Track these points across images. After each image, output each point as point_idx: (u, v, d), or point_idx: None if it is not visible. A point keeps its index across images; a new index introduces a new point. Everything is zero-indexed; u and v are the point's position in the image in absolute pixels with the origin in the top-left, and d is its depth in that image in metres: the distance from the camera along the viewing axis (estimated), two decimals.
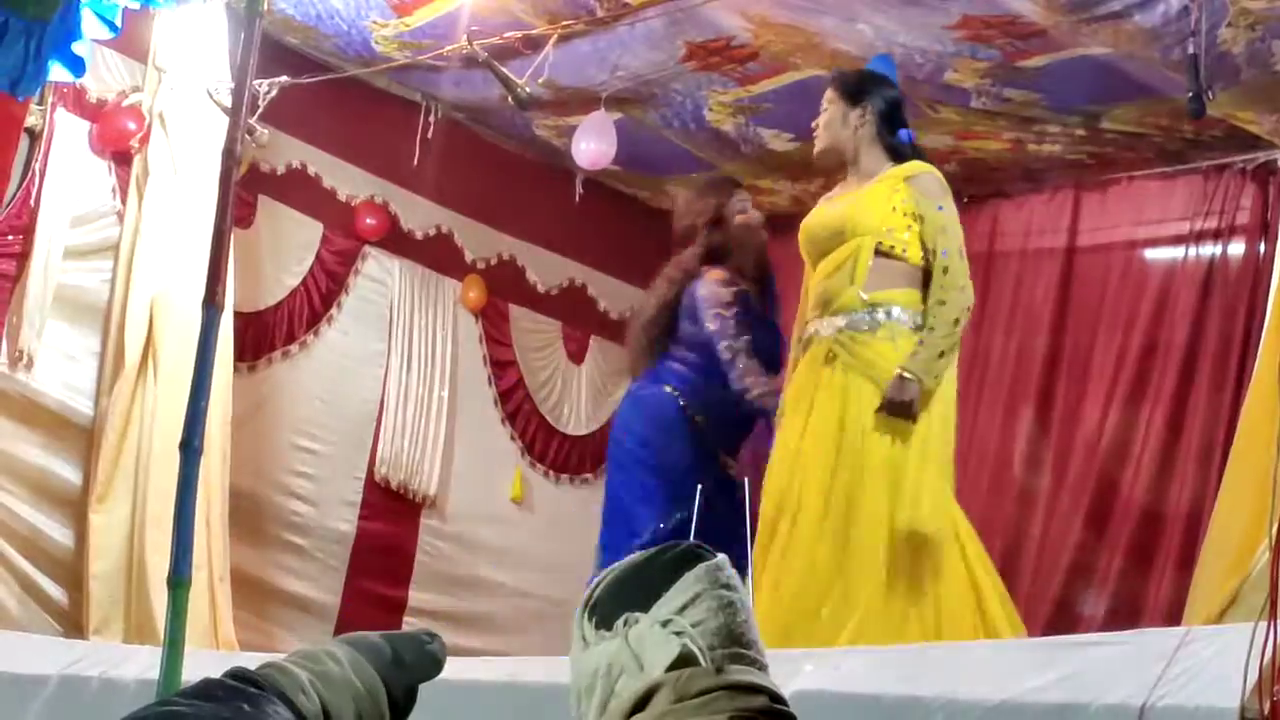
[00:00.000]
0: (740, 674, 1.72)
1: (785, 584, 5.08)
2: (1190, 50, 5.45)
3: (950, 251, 5.17)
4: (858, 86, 5.45)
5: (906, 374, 5.00)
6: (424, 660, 2.63)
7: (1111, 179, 7.86)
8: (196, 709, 2.48)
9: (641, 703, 1.70)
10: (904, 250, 5.18)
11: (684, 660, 1.72)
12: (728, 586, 1.77)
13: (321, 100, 7.44)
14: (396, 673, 2.58)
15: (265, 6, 4.46)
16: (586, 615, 1.80)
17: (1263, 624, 3.04)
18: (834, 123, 5.42)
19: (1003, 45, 6.48)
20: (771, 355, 6.10)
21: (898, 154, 5.38)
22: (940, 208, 5.25)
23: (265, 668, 2.58)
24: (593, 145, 7.47)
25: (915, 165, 5.35)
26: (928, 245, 5.18)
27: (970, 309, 5.23)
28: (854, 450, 5.06)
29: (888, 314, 5.15)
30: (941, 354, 5.08)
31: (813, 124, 5.53)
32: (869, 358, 5.13)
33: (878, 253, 5.17)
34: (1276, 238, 7.13)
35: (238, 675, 2.58)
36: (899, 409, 5.01)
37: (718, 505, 5.09)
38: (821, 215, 5.45)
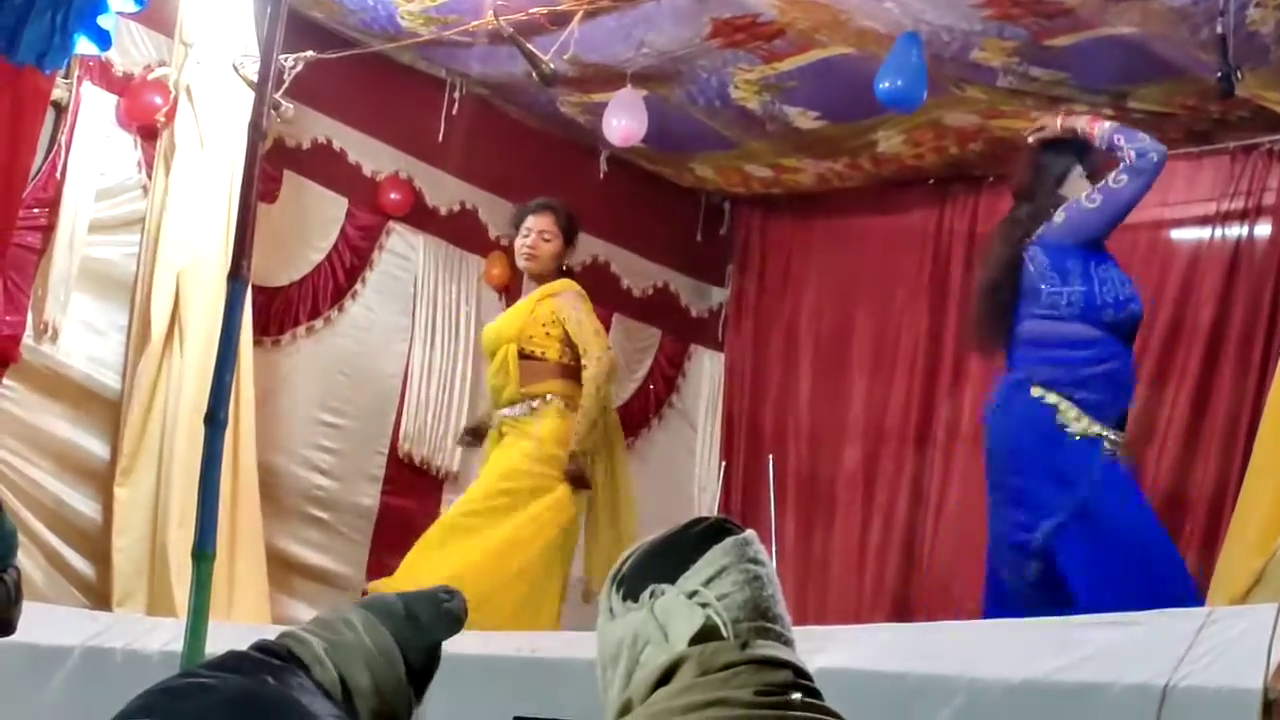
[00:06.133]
0: (765, 649, 1.73)
1: None
2: (1219, 30, 5.42)
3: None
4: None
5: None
6: (441, 618, 2.66)
7: None
8: (221, 680, 2.50)
9: (666, 675, 1.70)
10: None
11: (708, 632, 1.72)
12: (755, 561, 1.78)
13: (347, 76, 7.44)
14: (412, 632, 2.61)
15: None
16: (614, 587, 1.81)
17: None
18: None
19: (1030, 24, 6.45)
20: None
21: None
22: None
23: (284, 638, 2.61)
24: (624, 122, 7.46)
25: None
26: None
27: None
28: None
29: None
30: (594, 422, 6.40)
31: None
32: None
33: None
34: None
35: (263, 648, 2.60)
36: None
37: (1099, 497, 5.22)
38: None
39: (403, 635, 2.58)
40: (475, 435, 6.85)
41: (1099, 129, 5.45)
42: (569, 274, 6.70)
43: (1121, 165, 5.33)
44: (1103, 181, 5.40)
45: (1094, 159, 5.56)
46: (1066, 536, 5.19)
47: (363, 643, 2.55)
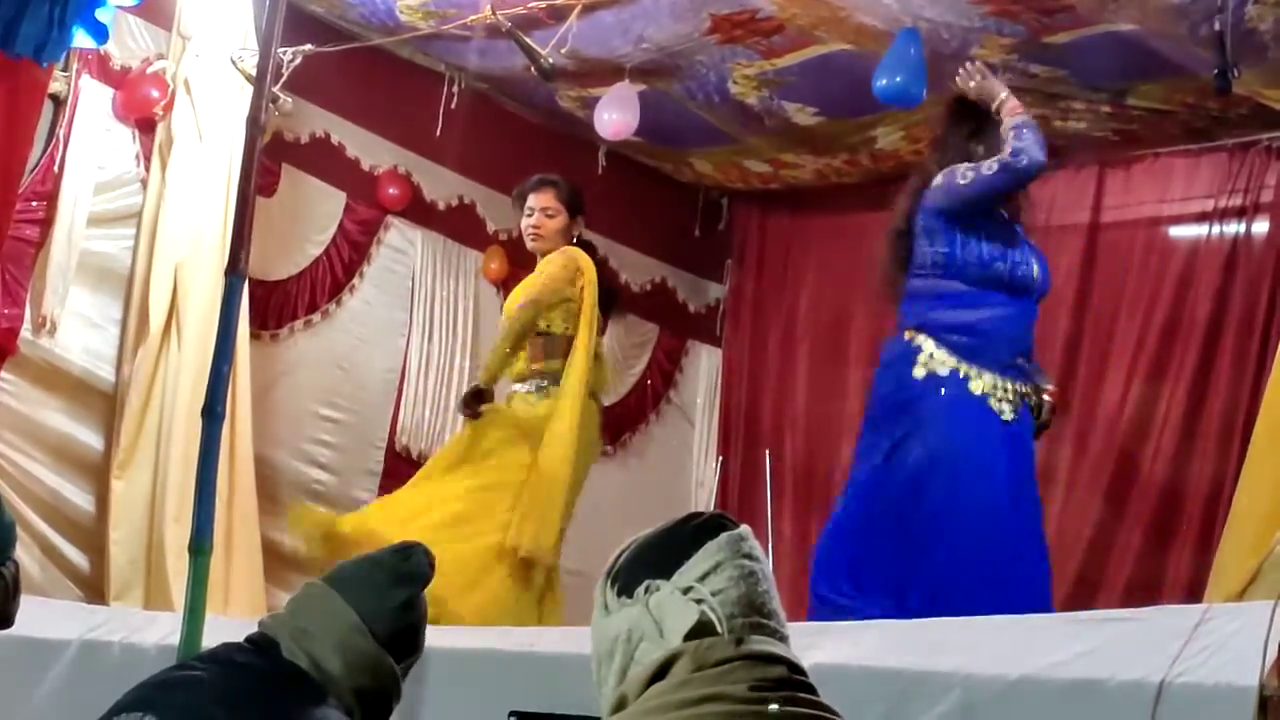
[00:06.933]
0: (760, 644, 1.73)
1: None
2: (1217, 27, 5.42)
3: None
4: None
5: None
6: (398, 580, 2.68)
7: (1136, 156, 7.84)
8: (214, 674, 2.52)
9: (661, 671, 1.71)
10: None
11: (702, 627, 1.72)
12: (750, 556, 1.78)
13: (345, 69, 7.43)
14: (374, 600, 2.63)
15: None
16: (609, 583, 1.81)
17: None
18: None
19: (1029, 21, 6.45)
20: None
21: None
22: None
23: (263, 627, 2.63)
24: (615, 116, 7.46)
25: None
26: None
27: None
28: None
29: None
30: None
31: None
32: None
33: None
34: None
35: (256, 640, 2.62)
36: None
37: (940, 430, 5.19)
38: None
39: (364, 605, 2.60)
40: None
41: (1008, 121, 5.26)
42: (585, 246, 6.46)
43: (1001, 153, 5.20)
44: (981, 161, 5.25)
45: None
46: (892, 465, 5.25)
47: (327, 624, 2.57)
